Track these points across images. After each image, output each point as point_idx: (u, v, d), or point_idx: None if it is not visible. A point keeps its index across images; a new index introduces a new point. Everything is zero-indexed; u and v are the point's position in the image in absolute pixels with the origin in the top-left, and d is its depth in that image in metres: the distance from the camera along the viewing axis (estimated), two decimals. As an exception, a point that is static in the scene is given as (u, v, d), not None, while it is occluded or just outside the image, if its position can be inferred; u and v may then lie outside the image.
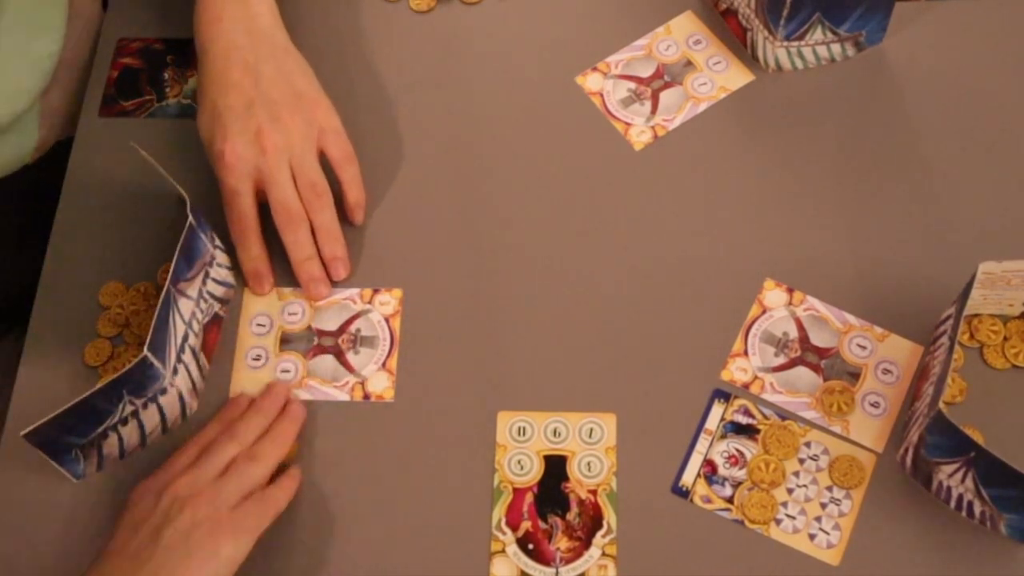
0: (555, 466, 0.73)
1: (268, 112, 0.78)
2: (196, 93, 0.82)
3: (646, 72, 0.89)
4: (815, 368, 0.76)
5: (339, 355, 0.79)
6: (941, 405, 0.64)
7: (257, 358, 0.79)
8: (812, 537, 0.71)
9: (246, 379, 0.78)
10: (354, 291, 0.81)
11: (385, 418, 0.76)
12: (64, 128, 0.93)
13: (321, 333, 0.80)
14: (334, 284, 0.81)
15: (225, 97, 0.78)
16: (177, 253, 0.72)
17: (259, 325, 0.80)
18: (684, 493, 0.72)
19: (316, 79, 0.82)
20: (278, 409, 0.75)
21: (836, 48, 0.87)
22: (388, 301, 0.81)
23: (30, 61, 0.86)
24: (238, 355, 0.79)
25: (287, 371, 0.78)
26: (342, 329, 0.80)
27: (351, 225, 0.82)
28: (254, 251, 0.79)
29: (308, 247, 0.79)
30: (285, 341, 0.80)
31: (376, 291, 0.81)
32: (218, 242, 0.79)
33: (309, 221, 0.79)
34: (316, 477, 0.74)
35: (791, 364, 0.76)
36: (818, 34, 0.85)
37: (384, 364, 0.78)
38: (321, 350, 0.79)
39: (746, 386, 0.76)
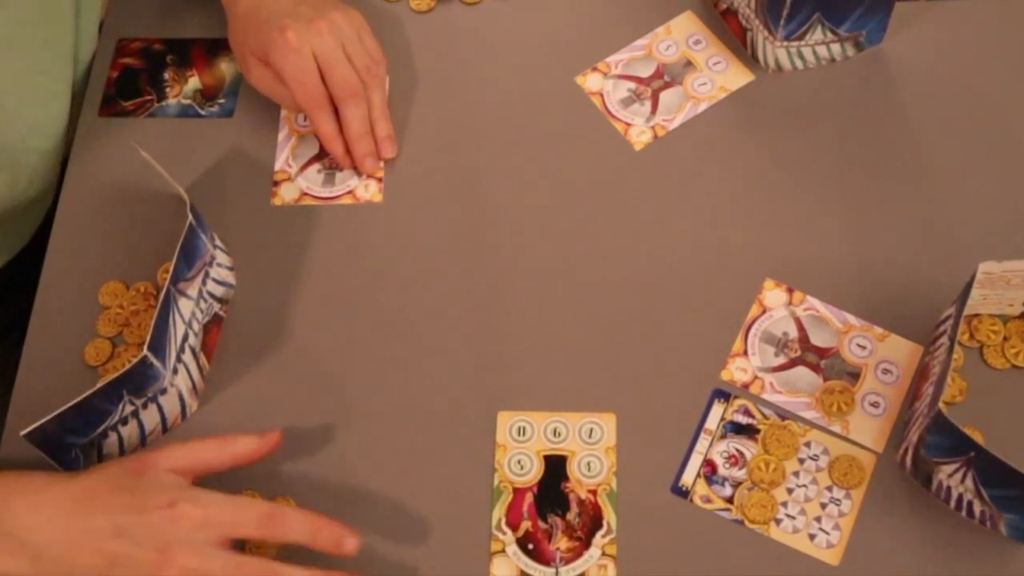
0: (555, 466, 0.73)
1: (313, 9, 0.83)
2: (228, 23, 0.86)
3: (646, 72, 0.89)
4: (815, 368, 0.76)
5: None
6: (941, 405, 0.64)
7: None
8: (812, 537, 0.71)
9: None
10: (354, 291, 0.82)
11: (387, 416, 0.76)
12: None
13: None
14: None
15: (270, 6, 0.83)
16: (177, 253, 0.72)
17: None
18: (684, 493, 0.72)
19: None
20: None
21: (836, 48, 0.87)
22: (388, 301, 0.81)
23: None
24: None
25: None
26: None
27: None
28: (334, 125, 0.84)
29: (366, 123, 0.84)
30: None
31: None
32: (218, 242, 0.79)
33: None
34: (318, 481, 0.74)
35: (791, 364, 0.76)
36: (818, 34, 0.85)
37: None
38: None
39: (746, 386, 0.76)
